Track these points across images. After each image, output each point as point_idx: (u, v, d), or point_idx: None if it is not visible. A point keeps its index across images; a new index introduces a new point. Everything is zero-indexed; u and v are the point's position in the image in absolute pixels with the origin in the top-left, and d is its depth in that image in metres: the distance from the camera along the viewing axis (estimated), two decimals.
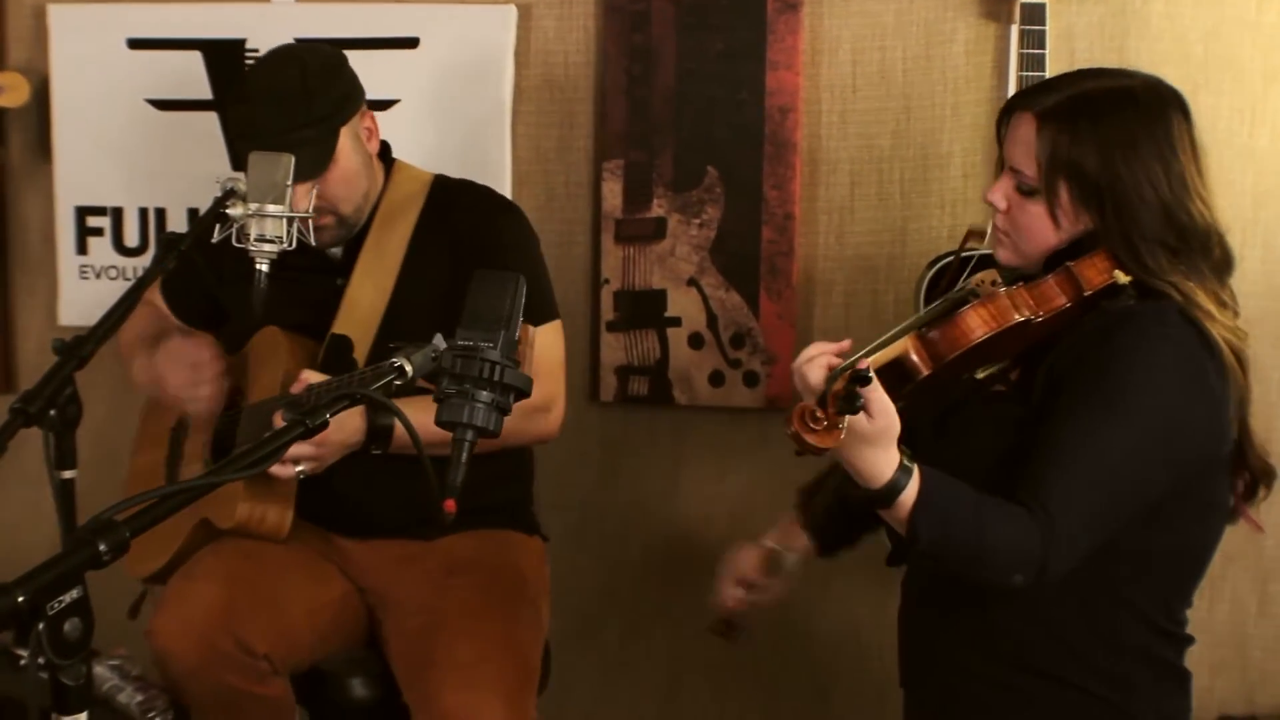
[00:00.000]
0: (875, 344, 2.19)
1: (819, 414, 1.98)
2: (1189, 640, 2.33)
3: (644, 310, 3.35)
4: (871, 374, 1.98)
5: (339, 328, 2.79)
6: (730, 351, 3.33)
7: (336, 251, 2.88)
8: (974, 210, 3.18)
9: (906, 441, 2.16)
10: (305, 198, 2.68)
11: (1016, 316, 2.20)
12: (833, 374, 2.03)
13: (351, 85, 2.82)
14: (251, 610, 2.65)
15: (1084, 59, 3.14)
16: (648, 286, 3.34)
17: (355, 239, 2.86)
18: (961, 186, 3.26)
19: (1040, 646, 2.25)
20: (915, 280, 3.05)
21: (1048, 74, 2.97)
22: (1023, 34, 3.04)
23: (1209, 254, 2.24)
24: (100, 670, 2.76)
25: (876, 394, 2.01)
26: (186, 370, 2.82)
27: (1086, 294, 2.21)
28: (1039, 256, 2.30)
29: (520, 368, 2.02)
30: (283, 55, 2.82)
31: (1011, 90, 3.06)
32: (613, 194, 3.33)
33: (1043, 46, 3.03)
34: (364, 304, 2.81)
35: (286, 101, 2.70)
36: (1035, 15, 3.04)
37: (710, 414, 3.38)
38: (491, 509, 2.87)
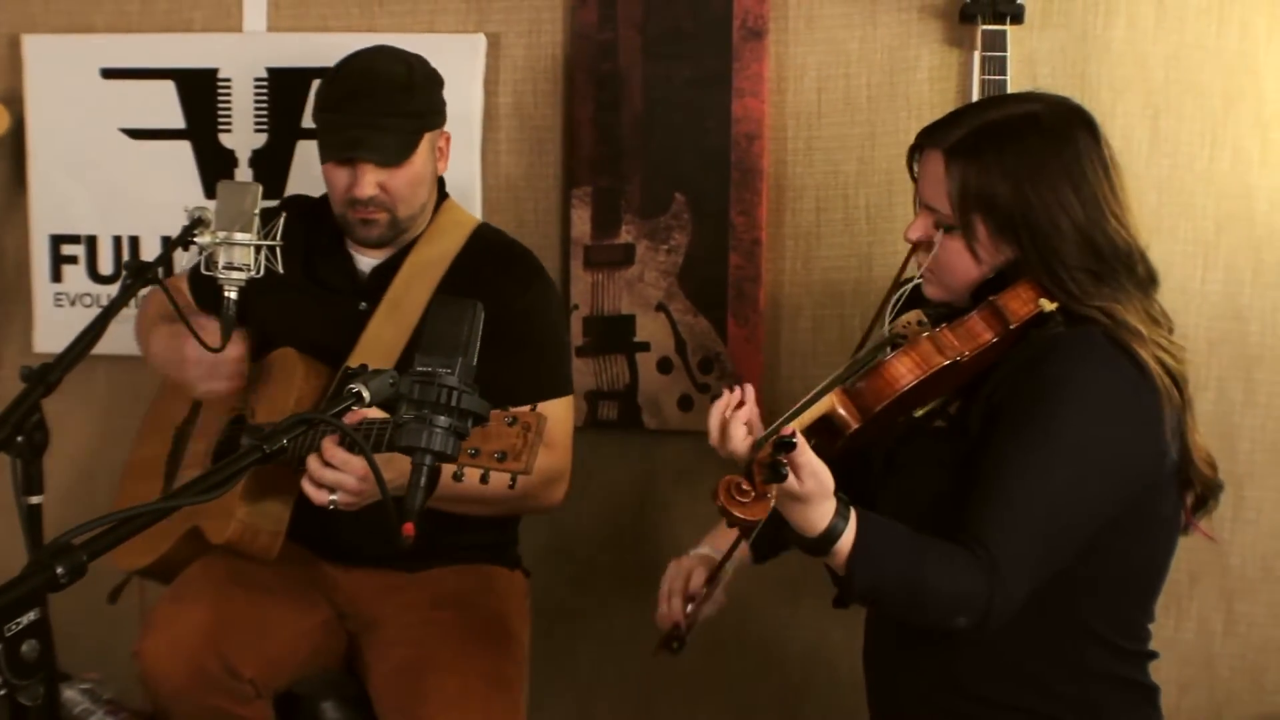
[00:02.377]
0: (802, 402, 2.14)
1: (744, 486, 1.94)
2: (1152, 655, 2.33)
3: (613, 335, 3.37)
4: (797, 438, 1.94)
5: (354, 362, 2.78)
6: (699, 376, 3.35)
7: (365, 270, 2.90)
8: None
9: (860, 475, 2.15)
10: (371, 186, 2.75)
11: (941, 360, 2.18)
12: (758, 441, 2.00)
13: (443, 102, 2.91)
14: (239, 634, 2.68)
15: (1046, 84, 3.16)
16: (616, 312, 3.36)
17: (387, 266, 2.88)
18: None
19: (1003, 679, 2.23)
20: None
21: None
22: (985, 60, 3.06)
23: (1133, 272, 2.22)
24: (71, 694, 2.77)
25: (804, 457, 1.97)
26: (211, 358, 2.75)
27: (1013, 326, 2.19)
28: (965, 290, 2.29)
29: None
30: (390, 52, 2.88)
31: None
32: (581, 220, 3.35)
33: (1005, 73, 3.04)
34: (383, 342, 2.81)
35: (391, 88, 2.78)
36: (997, 42, 3.05)
37: (679, 438, 3.39)
38: (478, 546, 2.91)
